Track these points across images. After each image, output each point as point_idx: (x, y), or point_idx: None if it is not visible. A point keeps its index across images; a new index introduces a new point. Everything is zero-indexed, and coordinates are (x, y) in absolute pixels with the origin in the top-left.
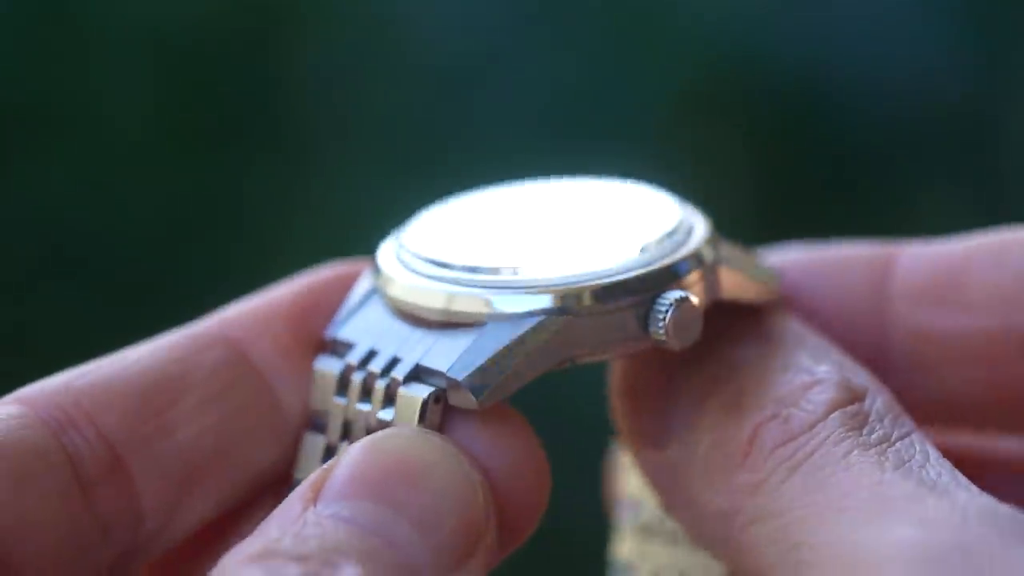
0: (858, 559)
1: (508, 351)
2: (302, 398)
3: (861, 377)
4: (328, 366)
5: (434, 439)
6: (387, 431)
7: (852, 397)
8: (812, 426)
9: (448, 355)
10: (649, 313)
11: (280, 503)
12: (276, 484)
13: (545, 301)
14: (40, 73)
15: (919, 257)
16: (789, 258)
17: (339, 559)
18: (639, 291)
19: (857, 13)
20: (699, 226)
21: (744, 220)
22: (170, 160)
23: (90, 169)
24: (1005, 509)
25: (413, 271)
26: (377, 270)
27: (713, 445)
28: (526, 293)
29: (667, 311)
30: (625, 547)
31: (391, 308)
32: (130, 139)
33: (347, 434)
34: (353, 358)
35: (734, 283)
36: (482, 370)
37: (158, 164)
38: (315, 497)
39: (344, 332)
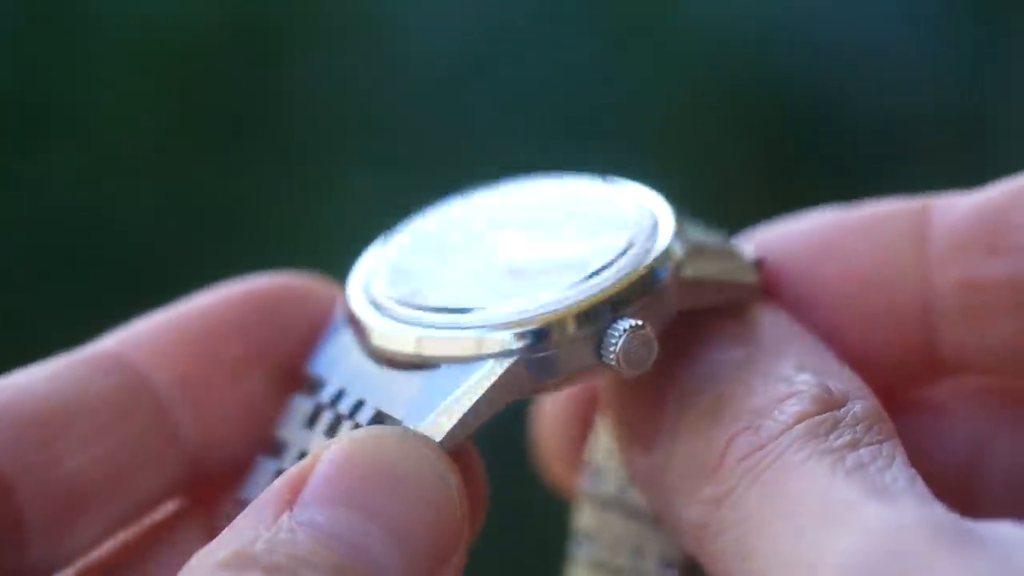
0: (800, 568)
1: (462, 396)
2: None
3: (844, 382)
4: (302, 402)
5: (414, 441)
6: (366, 431)
7: (827, 406)
8: (779, 435)
9: (405, 402)
10: (602, 343)
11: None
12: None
13: (497, 342)
14: (41, 73)
15: (958, 206)
16: (822, 220)
17: (309, 573)
18: (589, 323)
19: (859, 14)
20: (663, 231)
21: (746, 220)
22: (170, 160)
23: (90, 169)
24: (947, 517)
25: (378, 309)
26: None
27: (689, 454)
28: (476, 333)
29: (617, 341)
30: (584, 516)
31: (359, 341)
32: (130, 140)
33: None
34: (325, 396)
35: (696, 293)
36: (436, 417)
37: (158, 164)
38: (292, 499)
39: (317, 367)
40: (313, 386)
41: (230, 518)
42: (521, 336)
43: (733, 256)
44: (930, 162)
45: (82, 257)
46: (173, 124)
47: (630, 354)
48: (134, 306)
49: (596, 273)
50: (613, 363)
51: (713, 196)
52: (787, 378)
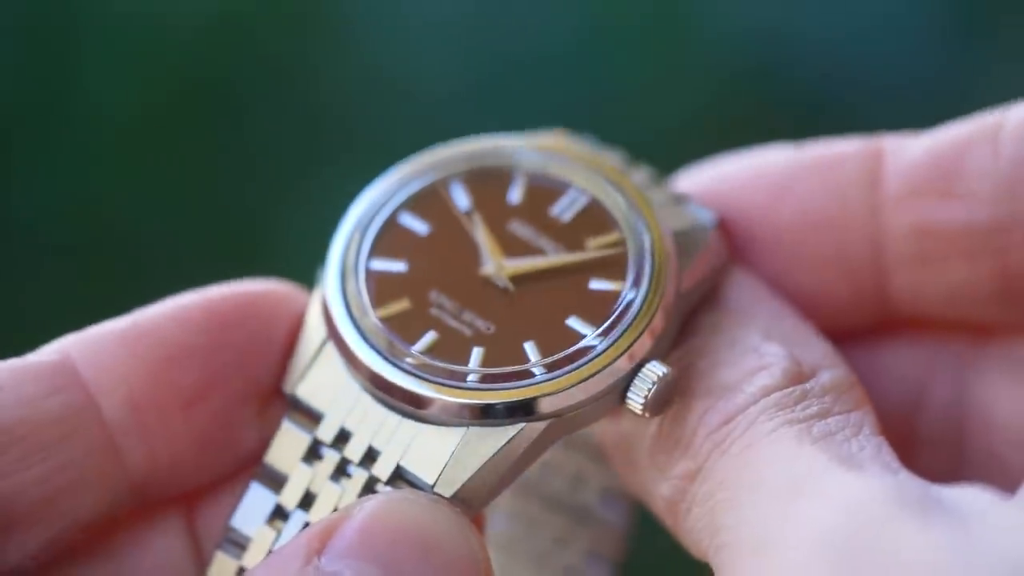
0: (766, 541)
1: (494, 462)
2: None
3: (813, 352)
4: (295, 431)
5: (447, 511)
6: (402, 494)
7: (795, 379)
8: (747, 408)
9: (431, 463)
10: (628, 389)
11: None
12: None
13: (526, 408)
14: (35, 71)
15: (911, 148)
16: (775, 161)
17: None
18: (614, 380)
19: (862, 22)
20: (657, 250)
21: None
22: (163, 158)
23: (83, 166)
24: (913, 484)
25: (373, 348)
26: (330, 320)
27: (661, 428)
28: (504, 399)
29: (649, 389)
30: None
31: (351, 372)
32: (123, 137)
33: (307, 504)
34: (324, 434)
35: (691, 298)
36: (469, 486)
37: (152, 162)
38: (321, 548)
39: (305, 392)
40: (304, 413)
41: (219, 543)
42: (556, 400)
43: (701, 234)
44: None
45: (76, 253)
46: (167, 123)
47: (659, 400)
48: (129, 302)
49: (613, 318)
50: (640, 410)
51: None
52: (755, 348)
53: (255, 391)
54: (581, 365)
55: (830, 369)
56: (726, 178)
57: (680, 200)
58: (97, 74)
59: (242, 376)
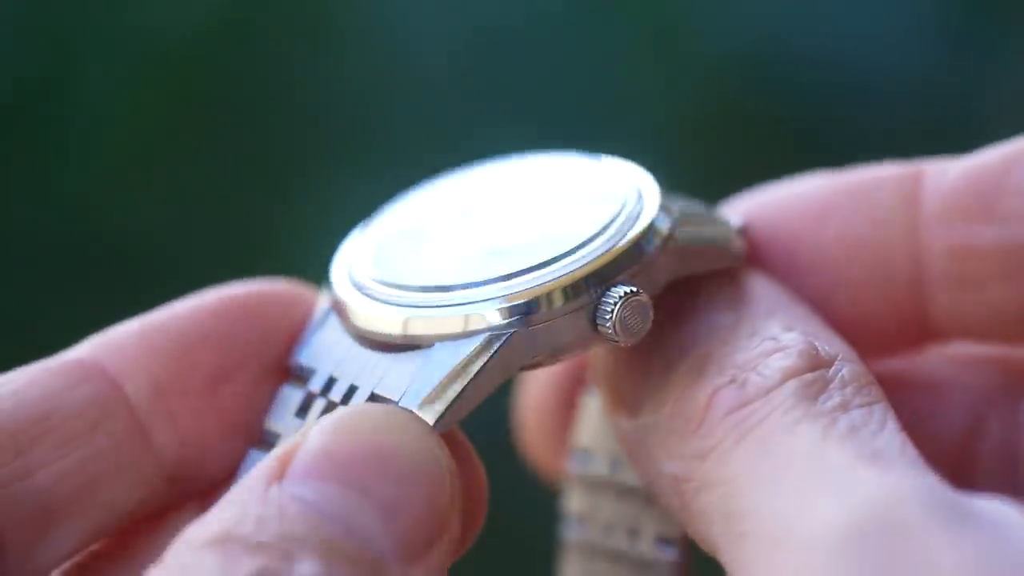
0: (788, 535)
1: (456, 374)
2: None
3: (832, 345)
4: (291, 392)
5: (404, 418)
6: (359, 407)
7: (814, 364)
8: (767, 392)
9: (399, 383)
10: (596, 312)
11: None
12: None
13: (488, 317)
14: (41, 76)
15: (950, 171)
16: (814, 185)
17: (298, 552)
18: (582, 293)
19: (861, 20)
20: (648, 201)
21: None
22: (169, 161)
23: (89, 171)
24: (942, 489)
25: (363, 292)
26: (330, 288)
27: (674, 411)
28: (465, 310)
29: (613, 309)
30: (575, 499)
31: (344, 326)
32: (129, 142)
33: None
34: (315, 385)
35: (684, 260)
36: (432, 398)
37: (157, 166)
38: (281, 473)
39: (305, 357)
40: (301, 376)
41: None
42: (513, 309)
43: (717, 223)
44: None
45: (82, 257)
46: (172, 125)
47: (626, 321)
48: (133, 305)
49: (585, 244)
50: (610, 332)
51: (713, 198)
52: (774, 336)
53: (274, 376)
54: (542, 276)
55: (849, 362)
56: (765, 206)
57: (710, 206)
58: (98, 75)
59: (261, 361)
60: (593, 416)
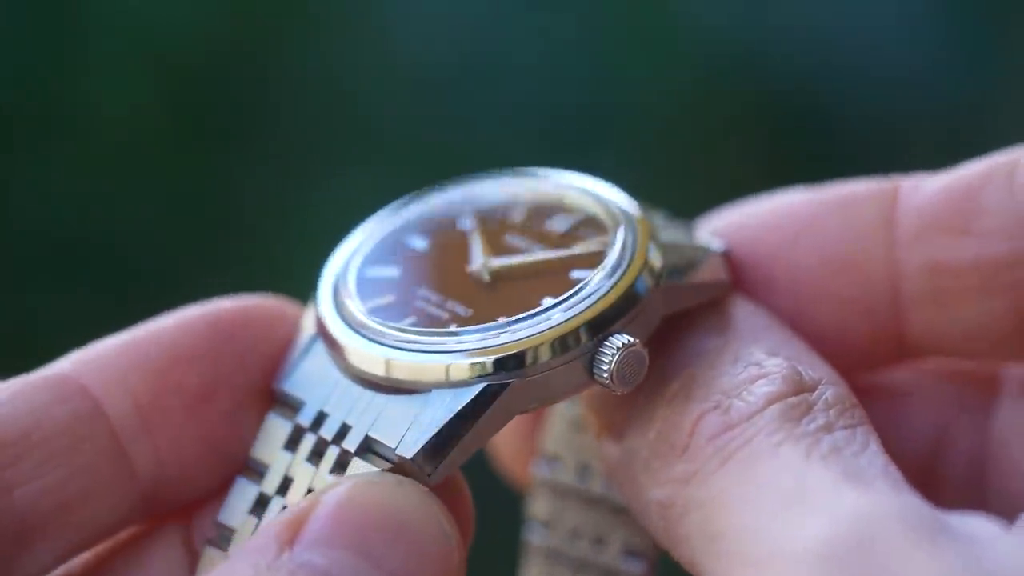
0: (769, 553)
1: (454, 423)
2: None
3: (816, 369)
4: (278, 423)
5: (415, 491)
6: (369, 477)
7: (798, 389)
8: (750, 417)
9: (396, 429)
10: (594, 362)
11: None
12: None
13: (488, 365)
14: (38, 77)
15: (926, 187)
16: (790, 203)
17: None
18: (580, 343)
19: (858, 15)
20: (640, 237)
21: None
22: (166, 161)
23: (87, 171)
24: (921, 507)
25: (354, 330)
26: (318, 318)
27: (659, 435)
28: (468, 357)
29: (611, 360)
30: (539, 504)
31: (334, 358)
32: (127, 141)
33: (284, 489)
34: (304, 419)
35: (675, 299)
36: (430, 447)
37: (154, 165)
38: (292, 539)
39: (291, 385)
40: (289, 405)
41: (209, 540)
42: (514, 359)
43: (701, 252)
44: (930, 162)
45: (80, 256)
46: (169, 125)
47: (623, 371)
48: (133, 306)
49: (580, 290)
50: (607, 382)
51: (713, 198)
52: (758, 362)
53: (257, 396)
54: (540, 324)
55: (833, 385)
56: (744, 221)
57: (690, 225)
58: (99, 75)
59: (244, 380)
60: (559, 424)
